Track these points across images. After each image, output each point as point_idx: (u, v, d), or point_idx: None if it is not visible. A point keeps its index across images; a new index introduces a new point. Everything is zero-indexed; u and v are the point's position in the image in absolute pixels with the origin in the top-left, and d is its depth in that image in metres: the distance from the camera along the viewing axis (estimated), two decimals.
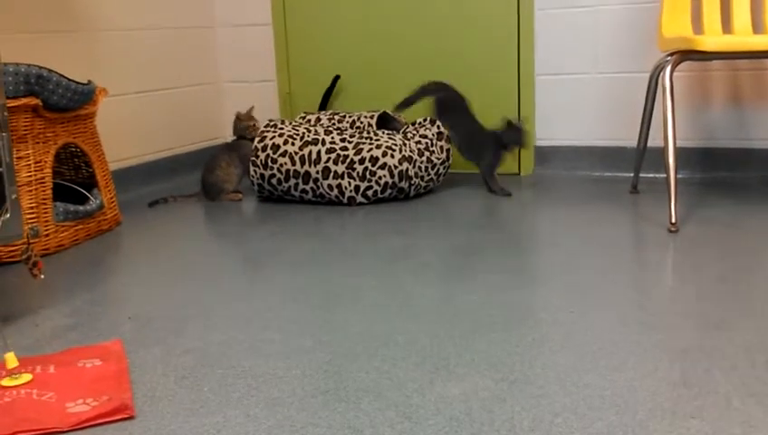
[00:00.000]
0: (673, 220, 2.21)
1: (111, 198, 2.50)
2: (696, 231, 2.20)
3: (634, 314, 1.59)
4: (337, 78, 3.30)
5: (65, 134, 2.31)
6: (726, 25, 2.61)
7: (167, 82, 3.25)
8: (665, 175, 2.25)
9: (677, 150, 2.36)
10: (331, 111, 2.99)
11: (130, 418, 1.23)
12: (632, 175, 2.78)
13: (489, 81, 3.13)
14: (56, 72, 2.21)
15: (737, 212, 2.40)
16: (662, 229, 2.23)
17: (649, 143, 2.74)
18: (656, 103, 2.63)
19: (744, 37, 2.21)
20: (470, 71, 3.15)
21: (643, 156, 2.73)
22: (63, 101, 2.24)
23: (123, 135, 3.02)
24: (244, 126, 2.91)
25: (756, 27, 2.60)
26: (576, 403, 1.22)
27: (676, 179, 2.26)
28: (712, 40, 2.19)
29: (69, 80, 2.25)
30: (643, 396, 1.23)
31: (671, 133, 2.24)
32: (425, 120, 2.87)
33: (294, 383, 1.33)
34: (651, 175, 2.93)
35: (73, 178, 2.50)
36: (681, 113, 2.93)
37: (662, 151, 2.29)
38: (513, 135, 2.73)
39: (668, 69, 2.27)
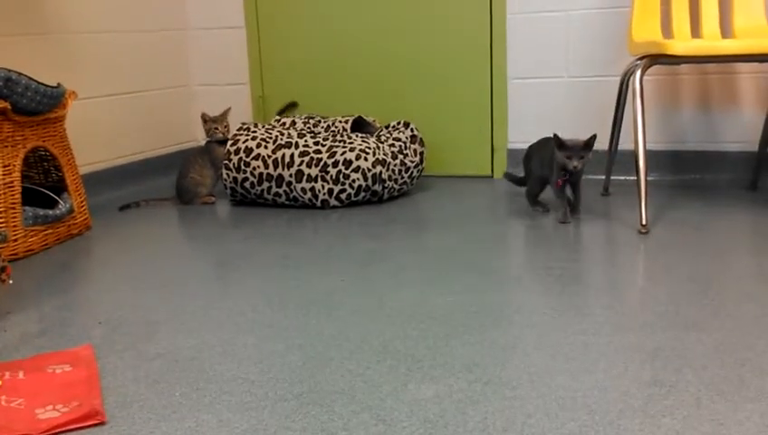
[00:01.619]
0: (643, 222, 2.23)
1: (81, 201, 2.47)
2: (667, 233, 2.23)
3: (606, 315, 1.60)
4: (293, 105, 3.32)
5: (34, 138, 2.28)
6: (695, 30, 2.65)
7: (138, 85, 3.22)
8: (635, 177, 2.28)
9: (648, 153, 2.38)
10: (305, 115, 2.98)
11: (101, 423, 1.22)
12: (603, 177, 2.80)
13: (462, 85, 3.14)
14: (25, 75, 2.18)
15: (706, 214, 2.43)
16: (633, 231, 2.25)
17: (620, 146, 2.77)
18: (626, 107, 2.66)
19: (712, 42, 2.24)
20: (443, 75, 3.16)
21: (614, 159, 2.76)
22: (33, 105, 2.21)
23: (94, 138, 2.99)
24: (207, 128, 2.89)
25: (724, 32, 2.64)
26: (548, 404, 1.22)
27: (647, 182, 2.28)
28: (681, 44, 2.21)
29: (38, 83, 2.22)
30: (614, 396, 1.24)
31: (641, 136, 2.27)
32: (398, 123, 2.88)
33: (267, 387, 1.32)
34: (622, 177, 2.95)
35: (43, 181, 2.47)
36: (651, 116, 2.96)
37: (633, 154, 2.31)
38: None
39: (639, 73, 2.29)
